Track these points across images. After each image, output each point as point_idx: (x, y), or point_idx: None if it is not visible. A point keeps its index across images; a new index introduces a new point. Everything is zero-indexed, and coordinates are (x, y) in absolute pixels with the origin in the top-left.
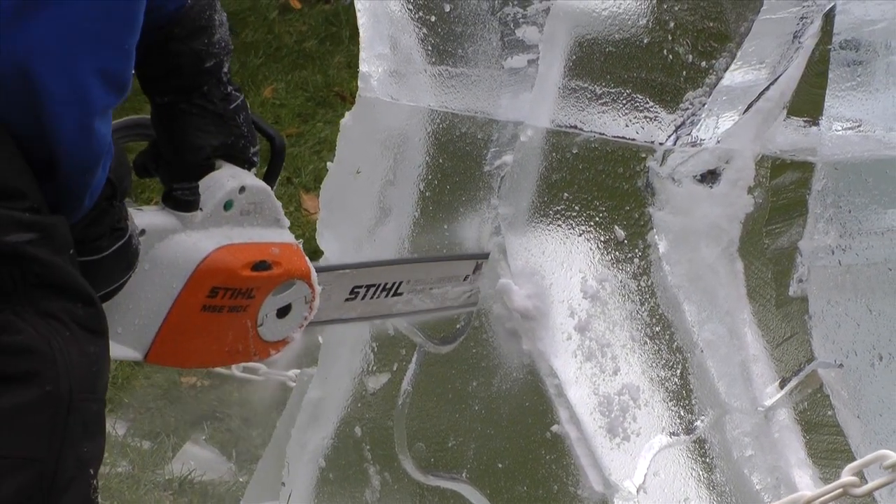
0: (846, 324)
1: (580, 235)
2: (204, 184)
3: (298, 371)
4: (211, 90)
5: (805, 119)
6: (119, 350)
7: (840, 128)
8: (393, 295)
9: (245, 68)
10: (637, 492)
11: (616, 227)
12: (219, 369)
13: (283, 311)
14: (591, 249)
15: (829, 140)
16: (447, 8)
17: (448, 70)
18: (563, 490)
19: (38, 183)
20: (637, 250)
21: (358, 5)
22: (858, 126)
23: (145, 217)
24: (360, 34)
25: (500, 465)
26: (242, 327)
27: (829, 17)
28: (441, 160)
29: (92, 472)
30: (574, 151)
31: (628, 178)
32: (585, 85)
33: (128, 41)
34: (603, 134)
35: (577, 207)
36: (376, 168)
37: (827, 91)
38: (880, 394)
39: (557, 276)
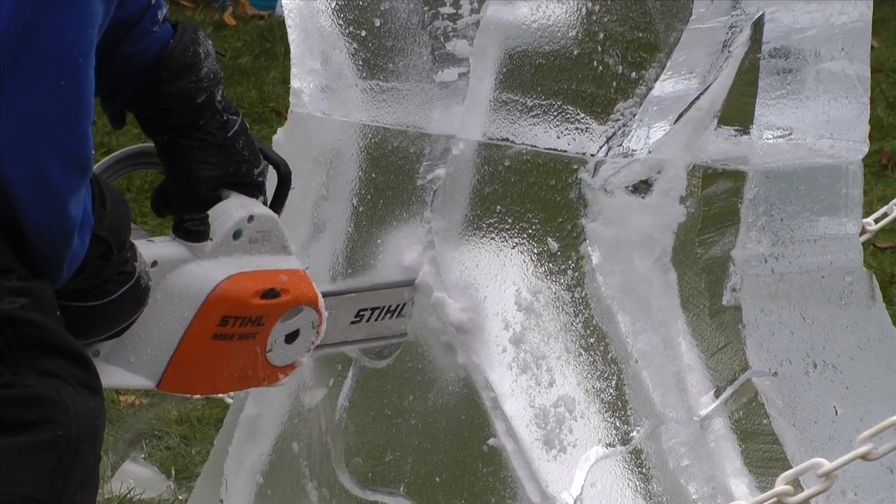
0: (780, 332)
1: (513, 248)
2: (213, 214)
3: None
4: (207, 122)
5: (736, 128)
6: (132, 379)
7: (771, 136)
8: (397, 316)
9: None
10: (574, 503)
11: (549, 238)
12: None
13: (291, 337)
14: (524, 262)
15: (760, 148)
16: (377, 23)
17: (379, 84)
18: (500, 502)
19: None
20: (570, 262)
21: (288, 21)
22: (789, 134)
23: (157, 248)
24: (291, 50)
25: (437, 479)
26: (252, 354)
27: (758, 25)
28: (374, 175)
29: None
30: (506, 164)
31: (560, 190)
32: (516, 97)
33: (83, 125)
34: (535, 146)
35: (510, 220)
36: (309, 183)
37: (757, 99)
38: (815, 401)
39: (491, 289)
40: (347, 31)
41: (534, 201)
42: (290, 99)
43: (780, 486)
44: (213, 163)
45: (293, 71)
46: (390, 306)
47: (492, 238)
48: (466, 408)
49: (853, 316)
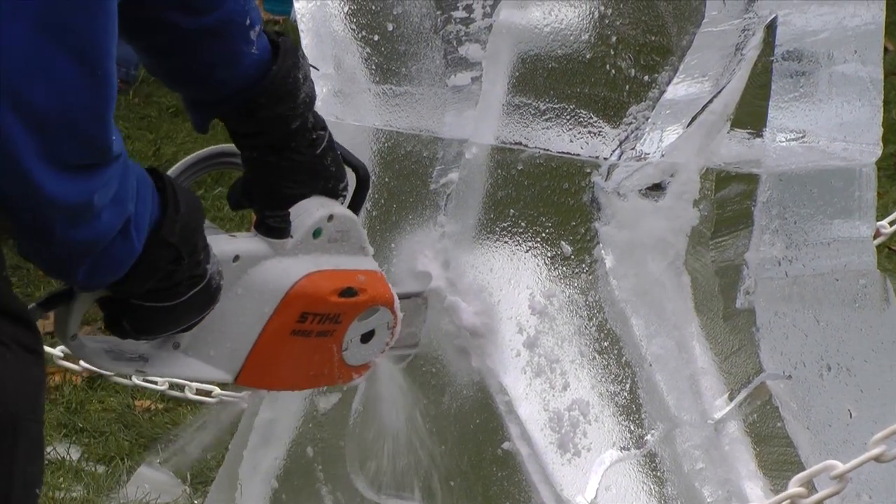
0: (794, 335)
1: (527, 252)
2: (294, 211)
3: (250, 392)
4: (299, 143)
5: (749, 131)
6: (211, 372)
7: (784, 139)
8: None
9: None
10: None
11: (563, 242)
12: (172, 391)
13: (366, 337)
14: (538, 265)
15: (773, 151)
16: (390, 27)
17: (392, 89)
18: None
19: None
20: (584, 265)
21: (301, 26)
22: (802, 137)
23: (238, 244)
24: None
25: (452, 483)
26: (328, 351)
27: (770, 28)
28: (387, 179)
29: (37, 492)
30: (519, 168)
31: (574, 194)
32: (529, 101)
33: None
34: (548, 150)
35: (523, 224)
36: None
37: (770, 102)
38: (829, 404)
39: (505, 293)
40: (360, 35)
41: (547, 205)
42: None
43: (794, 487)
44: (302, 181)
45: None
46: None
47: (505, 242)
48: (480, 412)
49: (867, 319)
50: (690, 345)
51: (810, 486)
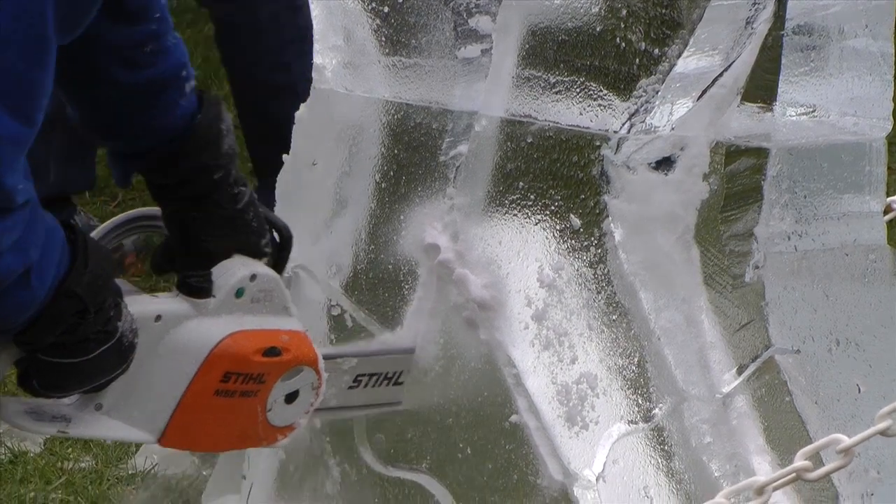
0: (803, 309)
1: (536, 224)
2: (216, 272)
3: None
4: (220, 196)
5: (759, 105)
6: (134, 434)
7: (794, 113)
8: (394, 384)
9: (209, 63)
10: (596, 480)
11: (572, 215)
12: None
13: (290, 397)
14: (547, 238)
15: (783, 125)
16: None
17: (402, 61)
18: (522, 479)
19: None
20: (593, 238)
21: None
22: (812, 111)
23: (160, 303)
24: (314, 26)
25: (459, 456)
26: (253, 412)
27: (781, 2)
28: (396, 151)
29: None
30: (529, 140)
31: (583, 167)
32: (539, 74)
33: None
34: (557, 123)
35: (532, 196)
36: (332, 160)
37: (780, 76)
38: (838, 379)
39: (514, 266)
40: (370, 7)
41: (556, 178)
42: (313, 75)
43: (800, 461)
44: (223, 235)
45: (316, 47)
46: (388, 373)
47: (514, 215)
48: (488, 384)
49: (876, 293)
50: (699, 319)
51: (817, 460)
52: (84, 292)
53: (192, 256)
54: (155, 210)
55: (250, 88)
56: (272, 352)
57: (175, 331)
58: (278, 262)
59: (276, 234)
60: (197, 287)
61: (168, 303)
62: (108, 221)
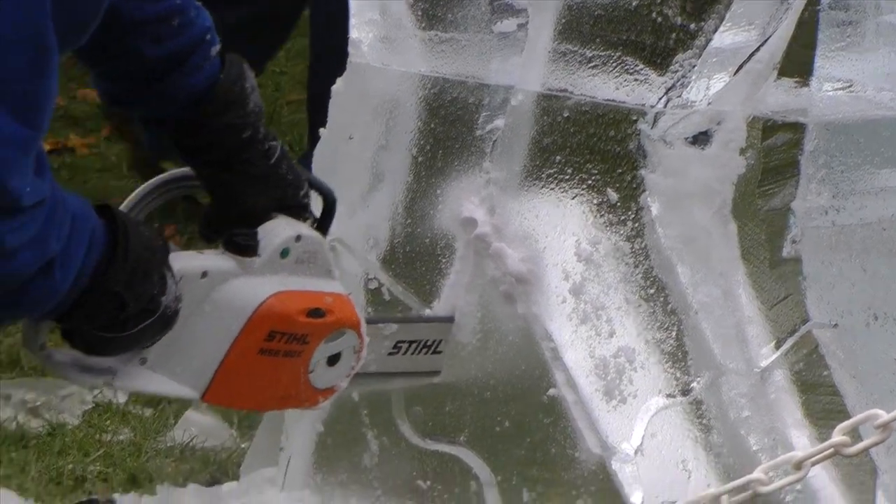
0: (841, 284)
1: (573, 198)
2: (261, 231)
3: None
4: (251, 155)
5: (795, 80)
6: (177, 389)
7: (831, 88)
8: (433, 353)
9: None
10: (634, 453)
11: (609, 189)
12: None
13: (332, 360)
14: (584, 212)
15: (819, 100)
16: None
17: (438, 35)
18: (560, 453)
19: None
20: (630, 213)
21: None
22: (849, 86)
23: (207, 260)
24: (350, 1)
25: (497, 429)
26: (295, 372)
27: None
28: (433, 125)
29: None
30: (565, 115)
31: (620, 141)
32: (575, 48)
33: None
34: (594, 97)
35: (569, 170)
36: (368, 134)
37: (817, 51)
38: (875, 353)
39: (551, 240)
40: None
41: (593, 152)
42: (349, 49)
43: (837, 436)
44: (258, 191)
45: (352, 21)
46: (427, 342)
47: (551, 189)
48: (526, 358)
49: None
50: (736, 293)
51: (854, 436)
52: (123, 288)
53: (234, 217)
54: (185, 170)
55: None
56: (316, 313)
57: (220, 288)
58: (322, 225)
59: (320, 198)
60: (243, 245)
61: (214, 260)
62: (140, 187)
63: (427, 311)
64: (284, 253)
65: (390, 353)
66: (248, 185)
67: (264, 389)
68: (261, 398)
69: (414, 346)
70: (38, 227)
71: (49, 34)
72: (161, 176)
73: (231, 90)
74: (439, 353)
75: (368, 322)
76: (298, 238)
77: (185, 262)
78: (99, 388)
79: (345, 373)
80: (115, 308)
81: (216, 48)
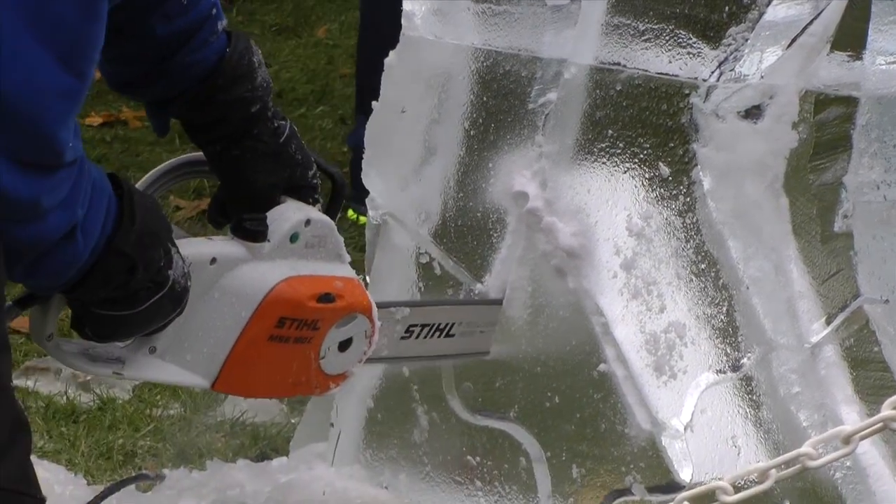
0: (892, 259)
1: (625, 173)
2: (271, 216)
3: None
4: (260, 130)
5: (849, 53)
6: (187, 377)
7: (884, 62)
8: (445, 336)
9: (299, 9)
10: (684, 430)
11: (661, 163)
12: None
13: (344, 345)
14: (635, 187)
15: (872, 74)
16: None
17: (491, 8)
18: (610, 428)
19: None
20: (682, 187)
21: None
22: None
23: (216, 246)
24: None
25: (547, 405)
26: (306, 359)
27: None
28: (485, 98)
29: (9, 384)
30: (618, 88)
31: (672, 115)
32: (628, 21)
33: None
34: (646, 70)
35: (621, 144)
36: (421, 107)
37: (870, 25)
38: None
39: (602, 214)
40: None
41: (645, 126)
42: (402, 21)
43: (887, 411)
44: (267, 170)
45: None
46: (440, 324)
47: (603, 163)
48: (577, 333)
49: None
50: (788, 268)
51: None
52: (133, 250)
53: (242, 198)
54: (199, 155)
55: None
56: (326, 298)
57: (230, 274)
58: (332, 208)
59: (329, 181)
60: (252, 230)
61: (223, 246)
62: (154, 170)
63: (479, 288)
64: (294, 238)
65: (402, 338)
66: (257, 163)
67: (275, 376)
68: (271, 385)
69: (426, 329)
70: (68, 190)
71: None
72: (174, 159)
73: (239, 64)
74: (452, 336)
75: (380, 307)
76: (308, 222)
77: (194, 248)
78: (108, 377)
79: (356, 358)
80: (126, 271)
81: (223, 23)
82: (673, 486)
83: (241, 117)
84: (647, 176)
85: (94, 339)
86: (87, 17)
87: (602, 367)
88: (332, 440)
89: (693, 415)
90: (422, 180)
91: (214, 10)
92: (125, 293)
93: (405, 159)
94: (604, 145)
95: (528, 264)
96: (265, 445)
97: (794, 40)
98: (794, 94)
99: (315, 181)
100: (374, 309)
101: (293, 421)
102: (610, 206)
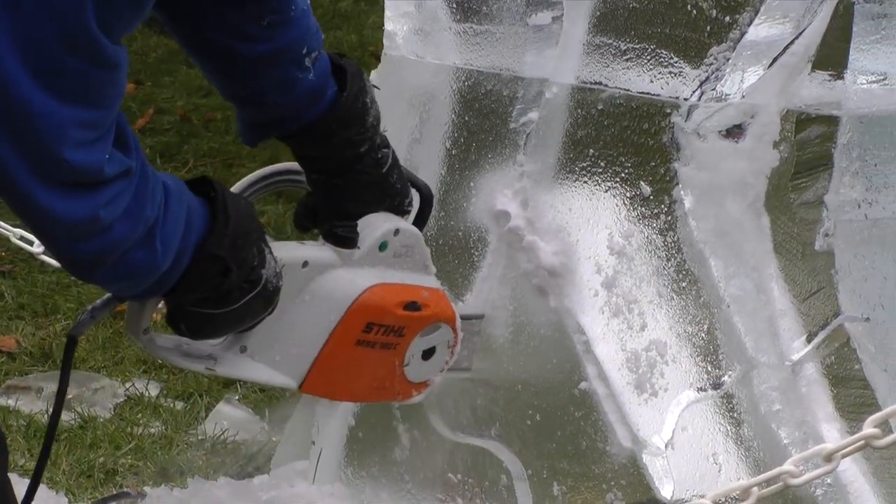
0: (873, 278)
1: (606, 191)
2: (361, 224)
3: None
4: (365, 164)
5: (830, 73)
6: (276, 377)
7: (865, 81)
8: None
9: None
10: (665, 447)
11: (642, 182)
12: None
13: (427, 354)
14: (617, 205)
15: (853, 93)
16: None
17: (473, 27)
18: (591, 446)
19: None
20: (663, 206)
21: None
22: (883, 79)
23: (307, 251)
24: None
25: (528, 423)
26: (391, 365)
27: None
28: (467, 118)
29: None
30: (599, 108)
31: (653, 134)
32: (610, 41)
33: None
34: (628, 90)
35: (602, 164)
36: (403, 126)
37: (851, 44)
38: None
39: (584, 233)
40: None
41: (627, 145)
42: (384, 41)
43: (869, 428)
44: (368, 200)
45: (387, 13)
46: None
47: (584, 182)
48: (558, 351)
49: None
50: (769, 286)
51: (886, 428)
52: (227, 253)
53: (335, 214)
54: (294, 165)
55: None
56: (413, 306)
57: (320, 278)
58: (419, 219)
59: (417, 193)
60: (343, 237)
61: (315, 250)
62: (250, 175)
63: (460, 307)
64: (383, 246)
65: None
66: (358, 193)
67: (360, 380)
68: (356, 390)
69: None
70: (130, 199)
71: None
72: (270, 167)
73: (353, 106)
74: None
75: (463, 318)
76: (397, 232)
77: (287, 251)
78: (200, 373)
79: (438, 367)
80: (220, 274)
81: (313, 56)
82: None
83: (348, 156)
84: (628, 195)
85: (188, 336)
86: (95, 65)
87: (583, 384)
88: (314, 458)
89: (674, 432)
90: None
91: (303, 48)
92: (218, 293)
93: None
94: (585, 164)
95: (510, 283)
96: (246, 463)
97: (775, 60)
98: (775, 114)
99: (410, 208)
100: (458, 320)
101: (274, 439)
102: (591, 225)
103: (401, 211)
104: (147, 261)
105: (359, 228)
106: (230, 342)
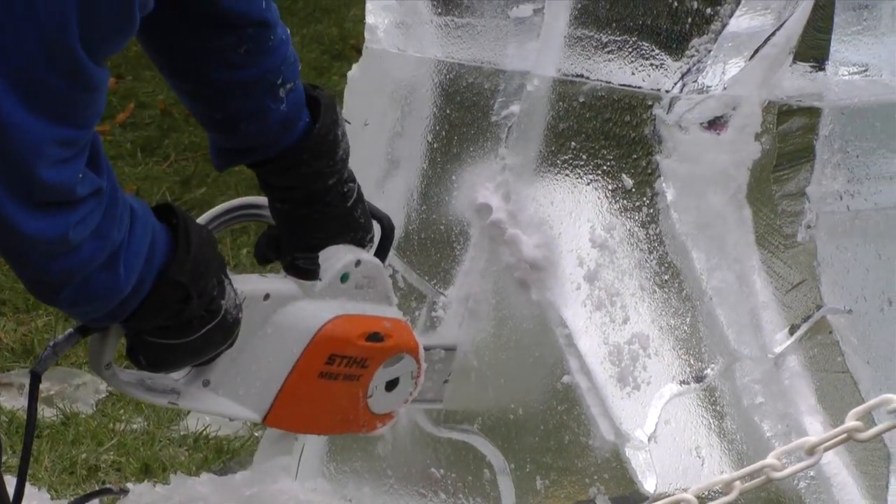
0: (855, 269)
1: (588, 184)
2: (322, 256)
3: None
4: (331, 197)
5: (811, 64)
6: (239, 411)
7: (846, 72)
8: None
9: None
10: (648, 440)
11: (624, 175)
12: None
13: (391, 385)
14: (599, 198)
15: (835, 85)
16: None
17: (454, 20)
18: (574, 440)
19: None
20: (645, 198)
21: None
22: (865, 70)
23: (269, 283)
24: None
25: (511, 417)
26: (354, 397)
27: None
28: (448, 111)
29: None
30: (581, 100)
31: (635, 127)
32: (591, 33)
33: None
34: (609, 82)
35: (584, 156)
36: (384, 120)
37: (833, 36)
38: (890, 339)
39: (566, 226)
40: None
41: (608, 137)
42: (365, 34)
43: (851, 421)
44: (332, 232)
45: (368, 6)
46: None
47: (566, 175)
48: (540, 345)
49: None
50: (751, 278)
51: (868, 421)
52: (187, 280)
53: (298, 246)
54: (262, 199)
55: None
56: (375, 337)
57: (282, 310)
58: (380, 251)
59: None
60: (305, 269)
61: (276, 283)
62: (214, 208)
63: (442, 301)
64: (344, 277)
65: (446, 381)
66: (322, 225)
67: (324, 413)
68: (320, 422)
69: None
70: (99, 219)
71: (74, 36)
72: (234, 201)
73: (325, 140)
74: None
75: (427, 348)
76: (358, 263)
77: (248, 283)
78: (164, 405)
79: (403, 398)
80: (180, 300)
81: (287, 87)
82: (637, 497)
83: (317, 188)
84: (610, 187)
85: (148, 369)
86: (67, 81)
87: (566, 378)
88: (296, 453)
89: (657, 425)
90: (385, 193)
91: (278, 78)
92: (179, 321)
93: (368, 172)
94: (567, 157)
95: (492, 276)
96: (229, 459)
97: (756, 51)
98: (756, 105)
99: (371, 243)
100: (422, 350)
101: (256, 434)
102: (573, 218)
103: (362, 244)
104: (109, 283)
105: (320, 260)
106: (193, 376)
